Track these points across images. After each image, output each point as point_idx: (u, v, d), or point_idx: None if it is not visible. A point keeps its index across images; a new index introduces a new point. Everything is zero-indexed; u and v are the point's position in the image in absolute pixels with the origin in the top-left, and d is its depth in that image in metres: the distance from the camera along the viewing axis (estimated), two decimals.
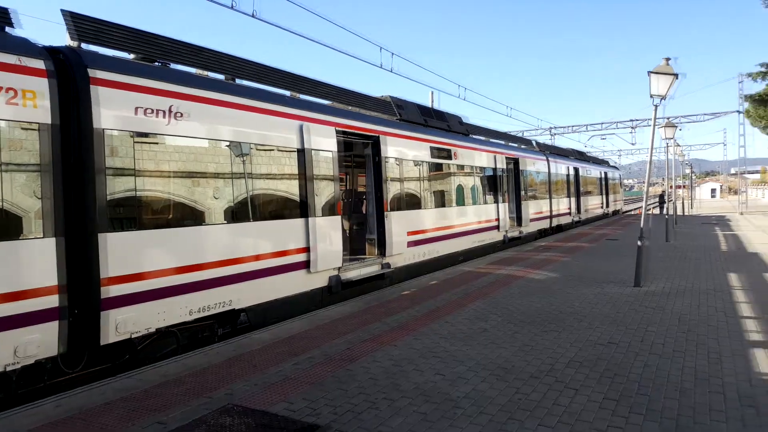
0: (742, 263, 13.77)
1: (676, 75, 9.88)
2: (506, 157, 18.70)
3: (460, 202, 15.25)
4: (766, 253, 15.76)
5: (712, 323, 7.79)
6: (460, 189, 15.29)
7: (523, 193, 19.89)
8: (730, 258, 14.99)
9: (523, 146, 22.49)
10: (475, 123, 18.75)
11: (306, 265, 9.33)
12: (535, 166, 21.71)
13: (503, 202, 17.97)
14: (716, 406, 4.89)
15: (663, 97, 10.24)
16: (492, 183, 17.43)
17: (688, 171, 59.69)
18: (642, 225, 11.11)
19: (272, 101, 9.03)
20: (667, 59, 10.03)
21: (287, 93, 9.97)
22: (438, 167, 14.15)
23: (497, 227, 17.35)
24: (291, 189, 9.19)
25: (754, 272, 12.24)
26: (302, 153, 9.39)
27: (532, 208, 20.90)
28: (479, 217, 16.25)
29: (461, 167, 15.42)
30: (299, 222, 9.23)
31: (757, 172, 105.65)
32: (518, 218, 19.59)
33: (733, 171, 74.42)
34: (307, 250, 9.32)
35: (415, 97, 15.89)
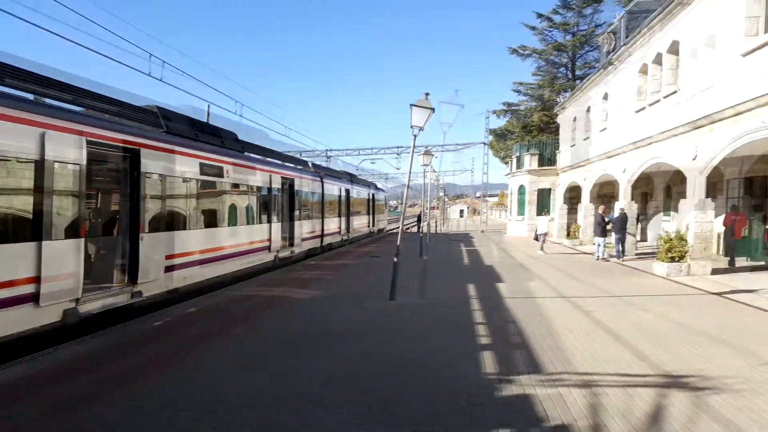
0: (479, 275, 15.74)
1: (432, 109, 11.02)
2: (281, 177, 18.71)
3: (232, 222, 14.77)
4: (496, 265, 18.26)
5: (452, 331, 8.68)
6: (231, 208, 14.82)
7: (296, 213, 20.10)
8: (470, 271, 17.05)
9: (299, 167, 22.78)
10: (252, 141, 18.45)
11: (34, 297, 7.96)
12: (309, 186, 22.16)
13: (276, 222, 17.92)
14: (453, 408, 5.41)
15: (421, 128, 11.30)
16: (266, 203, 17.27)
17: (441, 194, 66.91)
18: (399, 242, 12.04)
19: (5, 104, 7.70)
20: (426, 94, 11.16)
21: (30, 96, 8.65)
22: (208, 185, 13.53)
23: (268, 248, 17.22)
24: (24, 206, 7.91)
25: (488, 283, 14.07)
26: (41, 165, 8.14)
27: (305, 228, 21.26)
28: (251, 237, 15.94)
29: (234, 186, 14.96)
30: (28, 246, 7.87)
31: (496, 195, 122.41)
32: (290, 238, 19.72)
33: (477, 194, 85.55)
34: (36, 279, 8.00)
35: (195, 114, 14.97)
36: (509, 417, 5.14)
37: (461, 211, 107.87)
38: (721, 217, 16.47)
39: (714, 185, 17.04)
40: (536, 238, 23.87)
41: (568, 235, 28.07)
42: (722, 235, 17.32)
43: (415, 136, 11.55)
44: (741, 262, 16.25)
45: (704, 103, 14.08)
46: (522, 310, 10.19)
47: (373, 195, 37.98)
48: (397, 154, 52.73)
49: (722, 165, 14.37)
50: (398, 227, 14.18)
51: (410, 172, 12.65)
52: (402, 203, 12.70)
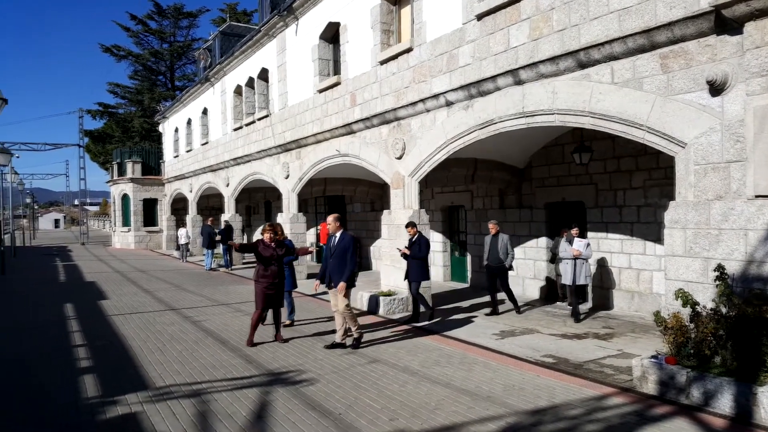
0: (78, 292, 14.19)
1: (5, 100, 9.36)
2: None
3: None
4: (101, 280, 16.79)
5: (44, 358, 7.60)
6: None
7: None
8: (68, 288, 15.21)
9: None
10: None
11: None
12: None
13: None
14: None
15: None
16: None
17: (29, 200, 57.65)
18: None
19: None
20: None
21: None
22: None
23: None
24: None
25: (89, 300, 12.80)
26: None
27: None
28: None
29: None
30: None
31: (98, 203, 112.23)
32: None
33: (76, 202, 76.73)
34: None
35: None
36: None
37: (56, 221, 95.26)
38: (313, 229, 18.85)
39: (305, 201, 19.37)
40: (178, 248, 24.31)
41: (179, 247, 27.77)
42: (314, 244, 19.84)
43: None
44: None
45: (294, 131, 15.71)
46: (128, 327, 9.62)
47: None
48: None
49: (309, 185, 16.35)
50: None
51: None
52: None
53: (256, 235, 28.13)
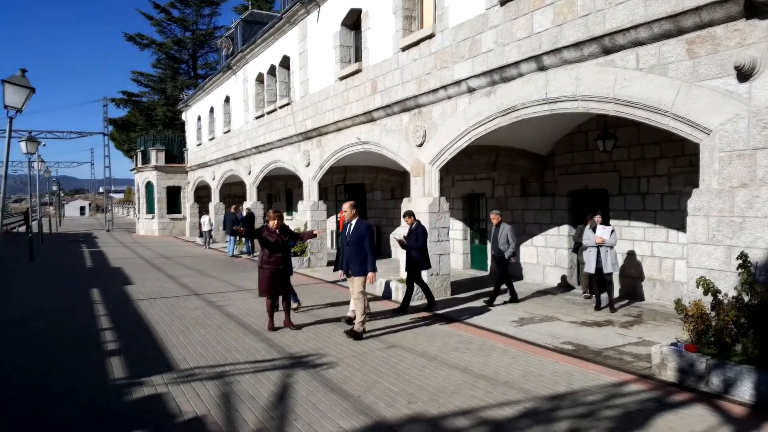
0: (104, 278, 14.50)
1: (32, 89, 9.53)
2: None
3: None
4: (126, 266, 17.14)
5: (73, 340, 7.83)
6: None
7: None
8: (95, 274, 15.56)
9: None
10: None
11: None
12: None
13: None
14: (81, 418, 4.90)
15: (19, 110, 9.67)
16: None
17: (55, 188, 58.80)
18: None
19: None
20: (23, 70, 9.56)
21: None
22: None
23: None
24: None
25: (115, 285, 13.09)
26: None
27: None
28: None
29: None
30: None
31: (122, 191, 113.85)
32: None
33: (101, 189, 78.05)
34: None
35: None
36: (140, 419, 4.95)
37: (82, 208, 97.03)
38: (333, 217, 18.97)
39: (326, 189, 19.46)
40: (201, 235, 24.81)
41: (201, 234, 28.15)
42: (334, 232, 19.98)
43: (11, 118, 9.89)
44: None
45: (315, 119, 15.75)
46: (153, 311, 9.83)
47: None
48: None
49: (330, 173, 16.42)
50: None
51: (7, 161, 10.71)
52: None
53: None
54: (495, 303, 10.24)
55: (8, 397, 5.57)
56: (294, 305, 9.61)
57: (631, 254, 10.74)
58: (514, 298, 10.41)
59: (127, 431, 4.70)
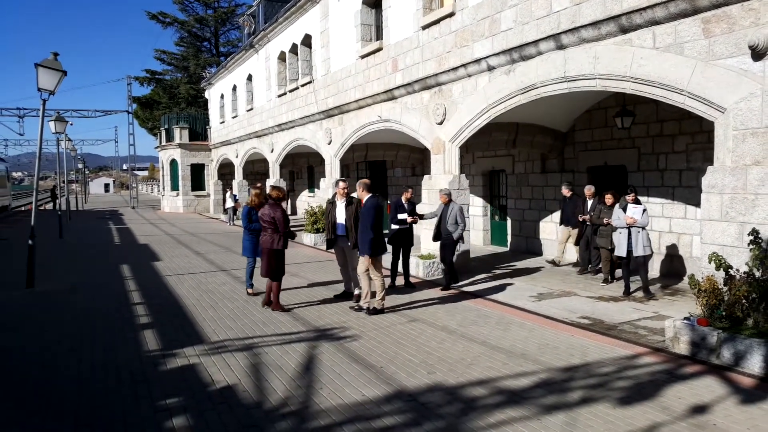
0: (133, 254, 14.99)
1: (64, 72, 9.84)
2: None
3: None
4: (153, 243, 17.64)
5: (107, 314, 8.22)
6: None
7: None
8: (123, 250, 16.06)
9: None
10: None
11: None
12: None
13: None
14: (117, 387, 5.26)
15: (52, 92, 10.01)
16: None
17: (80, 165, 59.89)
18: (33, 222, 10.60)
19: None
20: (56, 54, 9.86)
21: None
22: None
23: None
24: None
25: (144, 261, 13.54)
26: None
27: None
28: None
29: None
30: None
31: (146, 168, 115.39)
32: None
33: (124, 167, 79.21)
34: None
35: None
36: (175, 387, 5.27)
37: (106, 185, 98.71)
38: (355, 194, 19.09)
39: (347, 166, 19.66)
40: (225, 212, 25.61)
41: (225, 211, 28.64)
42: None
43: (44, 100, 10.22)
44: None
45: (336, 97, 15.89)
46: (182, 287, 10.21)
47: None
48: (20, 117, 45.19)
49: (351, 150, 16.59)
50: (29, 204, 12.35)
51: (41, 141, 11.11)
52: (33, 176, 11.12)
53: (299, 200, 28.72)
54: (453, 285, 9.83)
55: (54, 364, 5.96)
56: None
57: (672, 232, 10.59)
58: (454, 279, 9.92)
59: (164, 398, 5.03)
